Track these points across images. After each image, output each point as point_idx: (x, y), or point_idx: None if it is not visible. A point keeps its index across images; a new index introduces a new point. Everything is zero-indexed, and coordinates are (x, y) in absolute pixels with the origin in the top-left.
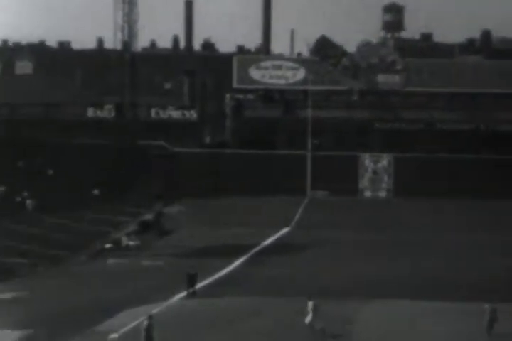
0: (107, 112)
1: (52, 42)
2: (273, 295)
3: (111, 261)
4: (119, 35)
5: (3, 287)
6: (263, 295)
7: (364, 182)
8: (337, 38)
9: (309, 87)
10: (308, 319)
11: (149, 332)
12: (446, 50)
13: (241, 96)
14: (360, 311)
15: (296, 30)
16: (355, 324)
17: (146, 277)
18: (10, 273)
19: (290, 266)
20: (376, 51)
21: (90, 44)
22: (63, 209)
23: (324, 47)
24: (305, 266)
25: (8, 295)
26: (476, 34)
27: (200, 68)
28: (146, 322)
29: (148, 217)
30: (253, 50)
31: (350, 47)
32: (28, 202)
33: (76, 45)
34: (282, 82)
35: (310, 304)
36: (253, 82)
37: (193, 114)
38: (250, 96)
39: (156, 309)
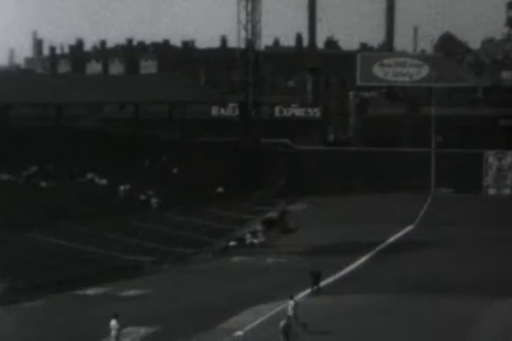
0: (231, 111)
1: (176, 41)
2: (398, 292)
3: (235, 258)
4: (243, 33)
5: (128, 284)
6: (388, 293)
7: (488, 179)
8: (461, 34)
9: (433, 84)
10: (288, 317)
11: (287, 332)
12: None
13: (364, 94)
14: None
15: (420, 26)
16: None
17: (270, 275)
18: (136, 270)
19: (415, 264)
20: (500, 47)
21: (214, 43)
22: (188, 207)
23: (448, 44)
24: (430, 264)
25: (133, 293)
26: None
27: (323, 66)
28: (283, 322)
29: (273, 214)
30: (376, 47)
31: (474, 44)
32: (153, 200)
33: (200, 44)
34: (406, 79)
35: (291, 303)
36: (376, 79)
37: (316, 112)
38: (373, 94)
39: (280, 307)
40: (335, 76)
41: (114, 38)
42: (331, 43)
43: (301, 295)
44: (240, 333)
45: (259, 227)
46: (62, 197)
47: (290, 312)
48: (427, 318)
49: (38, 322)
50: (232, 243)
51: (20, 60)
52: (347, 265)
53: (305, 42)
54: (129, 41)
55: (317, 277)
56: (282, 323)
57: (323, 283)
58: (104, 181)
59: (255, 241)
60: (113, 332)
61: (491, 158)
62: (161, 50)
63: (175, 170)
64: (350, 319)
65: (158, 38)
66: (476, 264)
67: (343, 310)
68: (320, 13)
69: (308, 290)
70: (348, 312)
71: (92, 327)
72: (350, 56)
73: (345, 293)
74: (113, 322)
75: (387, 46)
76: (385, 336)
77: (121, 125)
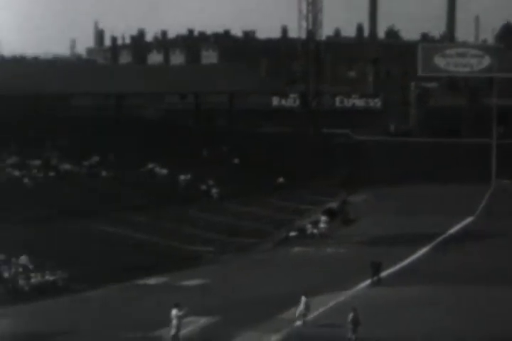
0: (292, 101)
1: (237, 31)
2: (459, 284)
3: (296, 248)
4: (304, 23)
5: (189, 274)
6: (450, 284)
7: None
8: None
9: (494, 75)
10: (298, 312)
11: (356, 324)
12: None
13: (426, 84)
14: None
15: (481, 16)
16: None
17: (330, 265)
18: (195, 260)
19: (476, 255)
20: None
21: (275, 33)
22: (248, 197)
23: (509, 34)
24: (491, 255)
25: (193, 282)
26: None
27: (384, 56)
28: (351, 315)
29: (333, 205)
30: (438, 37)
31: None
32: (214, 190)
33: (261, 35)
34: (467, 69)
35: (303, 299)
36: (438, 69)
37: (377, 102)
38: (434, 85)
39: (340, 297)
40: (396, 66)
41: (175, 28)
42: (391, 33)
43: (362, 285)
44: (300, 323)
45: (323, 217)
46: (123, 187)
47: (302, 308)
48: (482, 309)
49: (99, 312)
50: (292, 233)
51: (81, 50)
52: (408, 256)
53: (366, 33)
54: (190, 31)
55: (377, 268)
56: (351, 316)
57: (383, 274)
58: (164, 171)
59: (315, 231)
60: (174, 322)
61: None
62: (222, 40)
63: (236, 161)
64: (404, 310)
65: (219, 28)
66: None
67: (401, 301)
68: (381, 2)
69: (368, 281)
70: (404, 304)
71: (153, 316)
72: (411, 46)
73: (406, 284)
74: (174, 312)
75: (449, 36)
76: (420, 327)
77: (182, 115)
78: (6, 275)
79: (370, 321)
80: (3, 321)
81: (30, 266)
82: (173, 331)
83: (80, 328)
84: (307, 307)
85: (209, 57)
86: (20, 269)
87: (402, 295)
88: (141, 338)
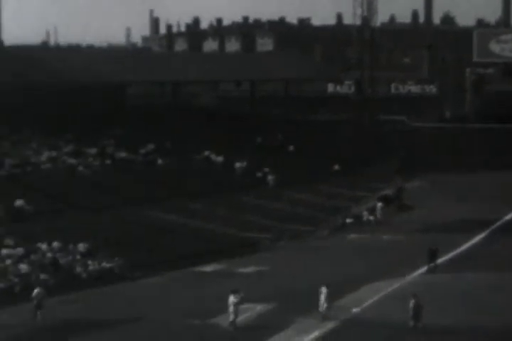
0: (347, 88)
1: (292, 18)
2: None
3: (352, 235)
4: (359, 10)
5: (246, 261)
6: (506, 271)
7: None
8: None
9: None
10: (321, 303)
11: (417, 310)
12: None
13: (481, 70)
14: None
15: None
16: None
17: (386, 252)
18: (252, 247)
19: None
20: None
21: (330, 20)
22: (304, 185)
23: None
24: None
25: (250, 269)
26: None
27: (439, 42)
28: (412, 301)
29: (389, 192)
30: (493, 23)
31: None
32: (270, 177)
33: (316, 22)
34: None
35: (324, 290)
36: (493, 55)
37: (432, 89)
38: (490, 70)
39: (397, 284)
40: (451, 52)
41: (230, 15)
42: (447, 19)
43: (419, 272)
44: (357, 310)
45: (379, 204)
46: (179, 175)
47: (322, 297)
48: None
49: (157, 299)
50: (348, 220)
51: (137, 38)
52: (464, 242)
53: (421, 19)
54: (245, 19)
55: (434, 254)
56: (411, 303)
57: (439, 261)
58: (220, 158)
59: (371, 218)
60: (231, 308)
61: None
62: (277, 27)
63: (291, 148)
64: (461, 297)
65: (274, 16)
66: None
67: (458, 288)
68: None
69: (424, 268)
70: (461, 290)
71: (210, 303)
72: (466, 32)
73: (462, 271)
74: (231, 298)
75: (504, 22)
76: (480, 314)
77: (237, 102)
78: (62, 262)
79: (428, 308)
80: (66, 308)
81: (88, 253)
82: (231, 317)
83: (139, 315)
84: (327, 298)
85: (264, 44)
86: (78, 256)
87: (459, 282)
88: (199, 325)
